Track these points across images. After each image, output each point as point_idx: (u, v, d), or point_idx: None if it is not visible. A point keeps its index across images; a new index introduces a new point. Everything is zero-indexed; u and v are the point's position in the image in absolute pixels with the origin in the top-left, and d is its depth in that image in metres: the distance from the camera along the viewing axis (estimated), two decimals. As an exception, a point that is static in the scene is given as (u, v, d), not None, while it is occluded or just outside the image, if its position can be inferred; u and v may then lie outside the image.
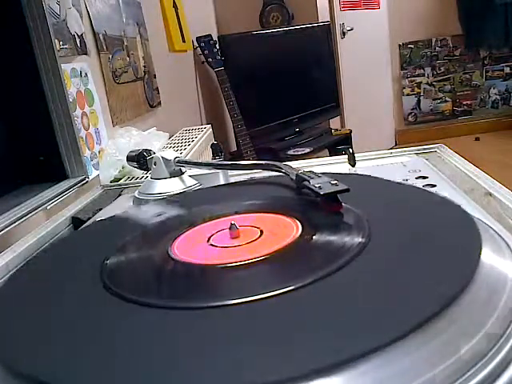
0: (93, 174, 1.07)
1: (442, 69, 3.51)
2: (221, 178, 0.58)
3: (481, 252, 0.27)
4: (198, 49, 2.17)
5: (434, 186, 0.51)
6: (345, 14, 2.99)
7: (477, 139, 3.38)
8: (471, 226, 0.31)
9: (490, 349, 0.22)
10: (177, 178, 0.55)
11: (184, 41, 2.05)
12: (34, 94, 0.75)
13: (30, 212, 0.67)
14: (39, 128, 0.77)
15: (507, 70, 3.48)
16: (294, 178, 0.44)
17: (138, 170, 0.61)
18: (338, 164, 0.65)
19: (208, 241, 0.36)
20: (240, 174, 0.62)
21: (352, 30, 3.02)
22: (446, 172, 0.56)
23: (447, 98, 3.56)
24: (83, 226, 0.57)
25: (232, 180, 0.59)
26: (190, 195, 0.52)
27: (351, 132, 2.74)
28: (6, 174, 0.76)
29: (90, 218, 0.59)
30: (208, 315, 0.26)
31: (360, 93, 3.09)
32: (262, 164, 0.53)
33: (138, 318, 0.27)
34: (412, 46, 3.48)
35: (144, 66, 1.59)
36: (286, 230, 0.35)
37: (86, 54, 1.17)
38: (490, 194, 0.45)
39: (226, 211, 0.41)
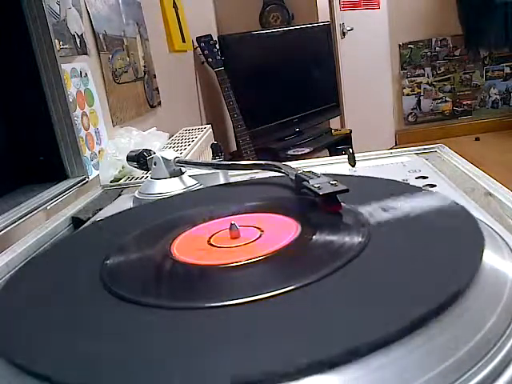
0: (93, 173, 1.07)
1: (442, 69, 3.51)
2: (221, 177, 0.58)
3: (483, 252, 0.27)
4: (198, 49, 2.17)
5: (434, 185, 0.51)
6: (345, 14, 2.99)
7: (477, 139, 3.39)
8: (473, 226, 0.31)
9: (490, 349, 0.22)
10: (177, 178, 0.55)
11: (184, 41, 2.05)
12: (34, 94, 0.75)
13: (30, 212, 0.67)
14: (39, 128, 0.77)
15: (507, 70, 3.48)
16: (294, 178, 0.44)
17: (138, 170, 0.61)
18: (338, 164, 0.65)
19: (208, 241, 0.36)
20: (240, 174, 0.62)
21: (352, 30, 3.02)
22: (446, 172, 0.56)
23: (447, 98, 3.56)
24: (83, 225, 0.57)
25: (232, 180, 0.59)
26: (190, 195, 0.52)
27: (351, 132, 2.74)
28: (6, 174, 0.76)
29: (89, 218, 0.59)
30: (208, 315, 0.26)
31: (360, 93, 3.09)
32: (261, 164, 0.53)
33: (138, 317, 0.27)
34: (412, 46, 3.48)
35: (144, 66, 1.59)
36: (286, 230, 0.35)
37: (86, 54, 1.17)
38: (490, 194, 0.45)
39: (226, 211, 0.41)
